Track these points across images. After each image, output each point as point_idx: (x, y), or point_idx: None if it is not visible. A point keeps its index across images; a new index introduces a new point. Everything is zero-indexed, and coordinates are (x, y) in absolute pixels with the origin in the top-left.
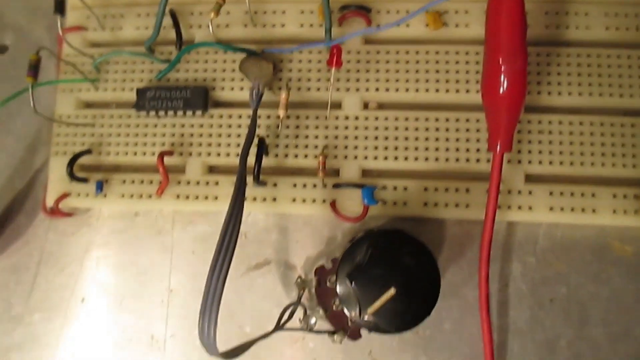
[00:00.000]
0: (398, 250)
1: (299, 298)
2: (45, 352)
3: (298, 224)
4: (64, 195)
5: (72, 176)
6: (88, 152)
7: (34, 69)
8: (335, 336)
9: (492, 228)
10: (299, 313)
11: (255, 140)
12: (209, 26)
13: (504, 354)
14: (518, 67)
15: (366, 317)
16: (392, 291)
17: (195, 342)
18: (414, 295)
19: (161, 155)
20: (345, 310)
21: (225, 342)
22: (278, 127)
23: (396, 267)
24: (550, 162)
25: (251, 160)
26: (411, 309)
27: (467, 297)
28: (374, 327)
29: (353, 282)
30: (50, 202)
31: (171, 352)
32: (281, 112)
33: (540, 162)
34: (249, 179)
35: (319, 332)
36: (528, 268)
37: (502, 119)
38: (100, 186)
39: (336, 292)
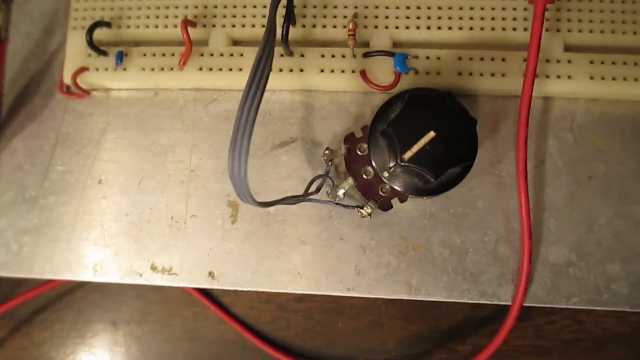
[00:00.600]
0: (434, 101)
1: (327, 170)
2: (61, 235)
3: (324, 101)
4: (82, 69)
5: (91, 44)
6: (107, 24)
7: None
8: (365, 209)
9: (532, 86)
10: (327, 188)
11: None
12: None
13: (540, 231)
14: None
15: (404, 162)
16: (431, 134)
17: (216, 221)
18: (454, 141)
19: (184, 22)
20: (377, 165)
21: (249, 219)
22: None
23: (434, 114)
24: (591, 31)
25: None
26: (450, 153)
27: (501, 174)
28: (408, 186)
29: (392, 129)
30: (67, 77)
31: (192, 232)
32: None
33: (580, 31)
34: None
35: (347, 206)
36: (565, 145)
37: None
38: (120, 57)
39: (369, 158)
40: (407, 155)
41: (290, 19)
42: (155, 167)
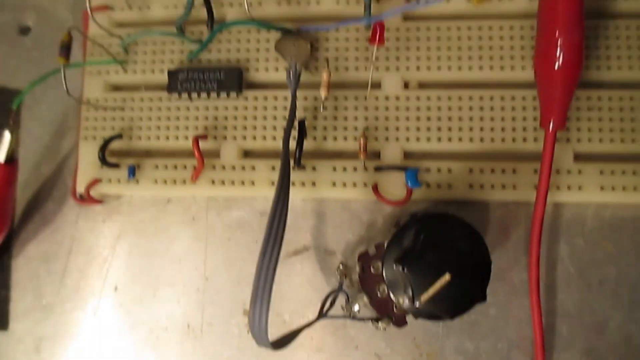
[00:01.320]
0: (448, 234)
1: (341, 285)
2: (78, 343)
3: (336, 208)
4: (95, 181)
5: (103, 161)
6: (119, 136)
7: (66, 49)
8: (380, 323)
9: (543, 211)
10: (341, 300)
11: (295, 123)
12: (242, 4)
13: (553, 337)
14: (575, 40)
15: (419, 305)
16: (447, 277)
17: (232, 330)
18: (467, 279)
19: (196, 139)
20: (394, 298)
21: None
22: (319, 108)
23: (448, 251)
24: (600, 140)
25: (291, 144)
26: (465, 293)
27: (513, 281)
28: (423, 314)
29: (405, 268)
30: (80, 188)
31: (208, 340)
32: (323, 93)
33: (589, 140)
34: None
35: (362, 319)
36: (576, 249)
37: (557, 95)
38: (132, 171)
39: (382, 278)
40: (423, 297)
41: (302, 144)
42: (170, 274)
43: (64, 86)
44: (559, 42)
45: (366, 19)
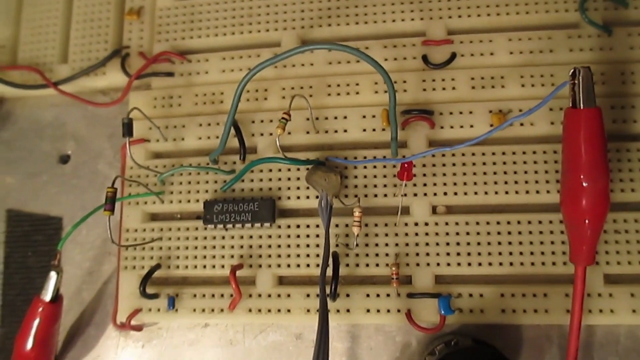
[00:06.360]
0: None
1: None
2: None
3: (370, 330)
4: (136, 312)
5: (145, 294)
6: (158, 267)
7: (111, 202)
8: None
9: (577, 346)
10: None
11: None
12: (274, 138)
13: None
14: (601, 186)
15: None
16: None
17: None
18: None
19: (233, 270)
20: None
21: None
22: (352, 237)
23: None
24: (629, 262)
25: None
26: None
27: None
28: None
29: None
30: (122, 318)
31: None
32: (356, 230)
33: (619, 263)
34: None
35: None
36: None
37: (585, 234)
38: (172, 302)
39: None
40: None
41: (338, 277)
42: None
43: (109, 235)
44: (584, 187)
45: (397, 159)
